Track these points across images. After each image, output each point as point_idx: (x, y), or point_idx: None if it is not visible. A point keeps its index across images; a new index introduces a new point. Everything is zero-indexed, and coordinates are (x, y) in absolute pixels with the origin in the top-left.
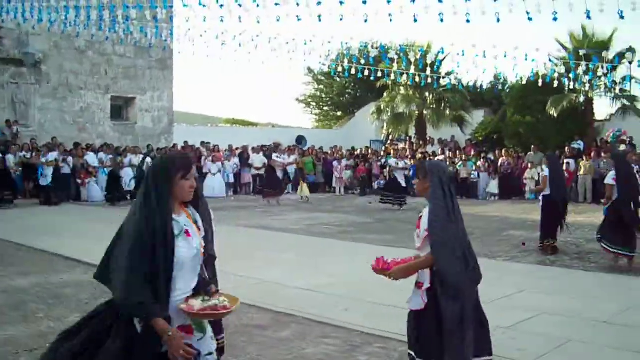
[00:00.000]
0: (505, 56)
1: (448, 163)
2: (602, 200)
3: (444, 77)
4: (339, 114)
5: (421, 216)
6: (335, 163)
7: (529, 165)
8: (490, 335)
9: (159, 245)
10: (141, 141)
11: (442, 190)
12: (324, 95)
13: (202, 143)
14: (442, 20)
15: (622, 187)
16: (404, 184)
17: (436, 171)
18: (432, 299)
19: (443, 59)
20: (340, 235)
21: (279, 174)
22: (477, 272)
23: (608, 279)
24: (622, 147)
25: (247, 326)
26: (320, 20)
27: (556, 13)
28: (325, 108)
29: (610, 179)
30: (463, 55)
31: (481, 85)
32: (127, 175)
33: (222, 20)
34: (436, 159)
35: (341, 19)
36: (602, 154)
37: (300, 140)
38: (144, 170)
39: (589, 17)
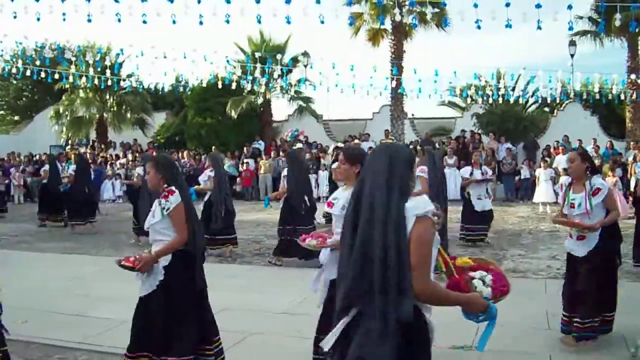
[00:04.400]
0: (185, 57)
1: (130, 166)
2: None
3: (124, 80)
4: (17, 118)
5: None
6: (12, 170)
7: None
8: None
9: None
10: None
11: None
12: None
13: None
14: (119, 21)
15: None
16: None
17: None
18: None
19: (123, 61)
20: (18, 245)
21: None
22: None
23: (287, 273)
24: (299, 145)
25: None
26: None
27: (229, 16)
28: (1, 112)
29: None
30: (142, 56)
31: (162, 87)
32: None
33: None
34: (118, 162)
35: (15, 17)
36: (281, 153)
37: None
38: None
39: (259, 21)
